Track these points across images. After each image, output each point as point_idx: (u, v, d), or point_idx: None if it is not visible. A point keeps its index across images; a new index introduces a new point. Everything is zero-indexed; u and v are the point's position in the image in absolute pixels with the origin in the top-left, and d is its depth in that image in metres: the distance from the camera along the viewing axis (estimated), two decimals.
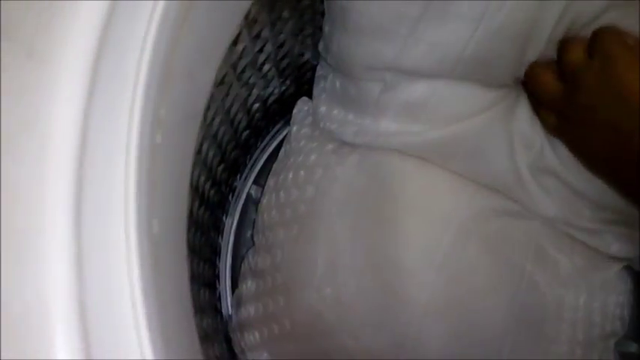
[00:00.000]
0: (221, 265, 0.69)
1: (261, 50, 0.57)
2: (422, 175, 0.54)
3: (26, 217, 0.18)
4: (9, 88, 0.18)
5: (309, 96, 0.64)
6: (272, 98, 0.70)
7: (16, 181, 0.18)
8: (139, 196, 0.19)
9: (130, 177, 0.18)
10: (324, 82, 0.60)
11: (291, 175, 0.60)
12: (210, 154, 0.59)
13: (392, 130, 0.53)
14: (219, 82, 0.53)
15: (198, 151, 0.54)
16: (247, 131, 0.70)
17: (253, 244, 0.62)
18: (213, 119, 0.56)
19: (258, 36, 0.54)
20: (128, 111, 0.19)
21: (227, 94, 0.57)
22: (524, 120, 0.52)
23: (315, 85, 0.62)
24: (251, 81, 0.61)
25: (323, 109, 0.60)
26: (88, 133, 0.18)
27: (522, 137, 0.52)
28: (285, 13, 0.55)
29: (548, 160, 0.52)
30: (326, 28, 0.53)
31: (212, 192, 0.63)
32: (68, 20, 0.18)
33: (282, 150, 0.66)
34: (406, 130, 0.52)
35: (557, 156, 0.52)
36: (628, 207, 0.51)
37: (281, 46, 0.61)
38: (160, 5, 0.20)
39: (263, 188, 0.68)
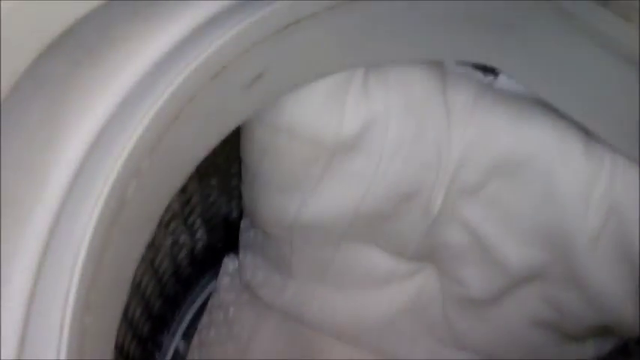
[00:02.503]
0: None
1: (191, 212, 0.63)
2: (341, 347, 0.59)
3: None
4: None
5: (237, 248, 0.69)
6: (201, 252, 0.74)
7: None
8: None
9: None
10: (248, 235, 0.66)
11: (213, 332, 0.62)
12: (137, 311, 0.61)
13: (305, 297, 0.58)
14: (150, 244, 0.57)
15: (125, 312, 0.56)
16: (175, 285, 0.72)
17: None
18: (141, 279, 0.59)
19: (188, 202, 0.60)
20: (63, 300, 0.23)
21: (157, 254, 0.61)
22: (433, 309, 0.58)
23: (240, 236, 0.67)
24: (181, 240, 0.66)
25: (247, 261, 0.65)
26: (28, 330, 0.22)
27: (431, 320, 0.58)
28: (214, 181, 0.61)
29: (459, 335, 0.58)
30: (242, 188, 0.59)
31: (137, 351, 0.63)
32: (19, 229, 0.23)
33: (209, 304, 0.68)
34: (318, 300, 0.57)
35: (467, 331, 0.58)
36: None
37: (210, 207, 0.67)
38: (97, 212, 0.25)
39: (190, 344, 0.69)
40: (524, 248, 0.51)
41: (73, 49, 0.28)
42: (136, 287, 0.57)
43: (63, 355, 0.22)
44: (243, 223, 0.68)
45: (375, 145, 0.47)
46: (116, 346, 0.55)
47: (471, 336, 0.57)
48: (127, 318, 0.57)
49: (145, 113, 0.28)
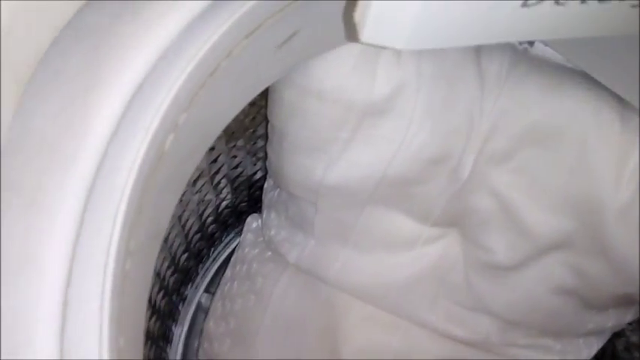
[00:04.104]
0: None
1: (217, 172, 0.64)
2: (360, 306, 0.60)
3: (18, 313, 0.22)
4: (10, 232, 0.23)
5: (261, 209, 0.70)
6: (226, 211, 0.76)
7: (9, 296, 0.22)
8: (112, 315, 0.23)
9: (105, 300, 0.23)
10: (272, 194, 0.67)
11: (236, 285, 0.64)
12: (165, 264, 0.63)
13: (327, 257, 0.59)
14: (178, 201, 0.59)
15: None
16: (200, 241, 0.74)
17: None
18: (169, 233, 0.60)
19: (215, 161, 0.61)
20: (106, 245, 0.24)
21: (184, 210, 0.62)
22: (455, 273, 0.58)
23: (263, 196, 0.68)
24: (207, 197, 0.67)
25: (270, 219, 0.66)
26: (73, 268, 0.23)
27: (452, 284, 0.58)
28: (240, 142, 0.62)
29: (475, 303, 0.58)
30: (267, 149, 0.60)
31: (163, 302, 0.65)
32: (63, 176, 0.24)
33: (232, 259, 0.70)
34: (340, 260, 0.59)
35: (485, 297, 0.58)
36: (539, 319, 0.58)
37: (236, 167, 0.68)
38: (137, 162, 0.26)
39: (213, 296, 0.71)
40: (551, 217, 0.50)
41: (113, 3, 0.29)
42: (164, 242, 0.59)
43: (107, 296, 0.23)
44: (267, 184, 0.69)
45: (405, 109, 0.47)
46: None
47: (491, 300, 0.58)
48: (154, 270, 0.59)
49: (183, 68, 0.29)
